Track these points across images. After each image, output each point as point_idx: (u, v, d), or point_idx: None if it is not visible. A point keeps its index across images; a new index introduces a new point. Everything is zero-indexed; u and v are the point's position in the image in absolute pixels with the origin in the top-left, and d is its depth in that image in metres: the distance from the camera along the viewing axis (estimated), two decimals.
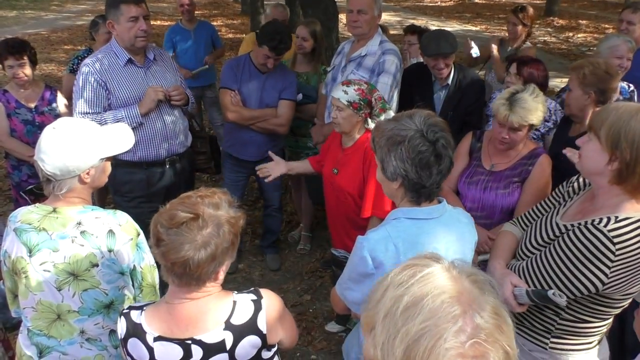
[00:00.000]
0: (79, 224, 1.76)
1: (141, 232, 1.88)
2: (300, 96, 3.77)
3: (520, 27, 4.24)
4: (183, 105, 3.13)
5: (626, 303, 1.71)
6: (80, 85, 2.87)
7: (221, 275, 1.49)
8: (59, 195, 1.77)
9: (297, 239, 4.39)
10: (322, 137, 3.37)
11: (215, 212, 1.42)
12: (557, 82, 8.34)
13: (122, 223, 1.83)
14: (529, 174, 2.45)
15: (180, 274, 1.40)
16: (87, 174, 1.78)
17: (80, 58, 4.03)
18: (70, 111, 3.64)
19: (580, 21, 15.17)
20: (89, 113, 2.85)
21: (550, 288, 1.65)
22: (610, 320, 1.80)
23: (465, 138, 2.72)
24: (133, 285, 1.90)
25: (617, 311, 1.75)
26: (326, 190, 2.87)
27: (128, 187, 3.07)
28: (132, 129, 2.91)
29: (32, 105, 3.49)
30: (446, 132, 1.67)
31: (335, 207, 2.78)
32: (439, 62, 3.19)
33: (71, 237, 1.74)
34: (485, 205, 2.50)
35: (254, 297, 1.54)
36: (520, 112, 2.34)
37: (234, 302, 1.51)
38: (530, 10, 4.38)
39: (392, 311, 0.84)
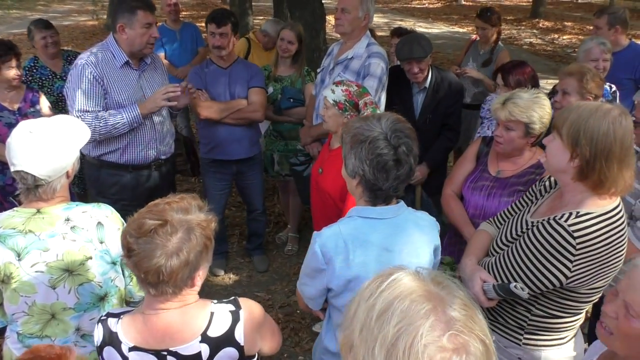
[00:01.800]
0: (68, 220, 1.78)
1: (125, 223, 1.91)
2: (271, 89, 3.80)
3: (489, 30, 4.27)
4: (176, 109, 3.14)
5: (595, 298, 1.75)
6: (77, 81, 2.77)
7: (198, 282, 1.47)
8: (45, 197, 1.77)
9: (285, 240, 4.40)
10: (310, 138, 3.39)
11: (184, 216, 1.40)
12: (543, 84, 8.41)
13: (108, 214, 1.89)
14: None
15: (155, 283, 1.38)
16: (72, 167, 1.83)
17: (27, 69, 3.85)
18: (53, 112, 3.61)
19: (566, 23, 15.35)
20: (88, 111, 2.77)
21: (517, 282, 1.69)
22: (582, 315, 1.85)
23: (474, 142, 2.71)
24: (123, 274, 1.93)
25: (587, 306, 1.80)
26: (312, 190, 2.88)
27: (113, 189, 3.03)
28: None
29: (15, 107, 3.46)
30: (411, 139, 1.68)
31: (319, 207, 2.79)
32: (412, 66, 3.22)
33: (61, 234, 1.76)
34: (487, 212, 2.43)
35: (232, 308, 1.53)
36: (510, 106, 2.29)
37: (212, 314, 1.49)
38: (496, 10, 4.42)
39: (367, 323, 0.85)
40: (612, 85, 3.39)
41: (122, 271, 1.93)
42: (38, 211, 1.77)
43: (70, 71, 2.85)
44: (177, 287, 1.41)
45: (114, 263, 1.87)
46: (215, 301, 1.56)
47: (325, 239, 1.68)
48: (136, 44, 2.83)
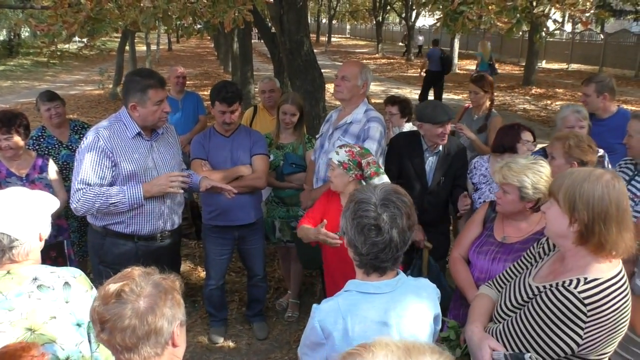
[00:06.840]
0: (35, 279, 1.80)
1: (93, 286, 1.93)
2: (272, 157, 3.86)
3: (481, 94, 4.41)
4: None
5: None
6: (85, 152, 2.78)
7: (178, 341, 1.44)
8: (18, 259, 1.80)
9: (285, 307, 4.33)
10: (311, 201, 3.42)
11: (148, 276, 1.46)
12: (538, 148, 8.56)
13: (77, 275, 1.90)
14: None
15: (134, 346, 1.35)
16: (44, 230, 1.87)
17: (35, 138, 3.91)
18: (60, 178, 3.68)
19: (557, 90, 15.86)
20: (89, 184, 2.76)
21: (528, 351, 1.67)
22: None
23: (481, 207, 2.77)
24: (89, 341, 1.90)
25: None
26: (330, 256, 2.88)
27: (115, 258, 2.95)
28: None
29: (23, 173, 3.53)
30: (401, 212, 1.67)
31: (344, 267, 2.76)
32: (445, 128, 3.30)
33: (27, 293, 1.76)
34: (492, 276, 2.39)
35: None
36: (504, 170, 2.37)
37: None
38: (489, 77, 4.58)
39: None
40: (600, 150, 3.47)
41: (89, 337, 1.89)
42: (8, 272, 1.80)
43: (81, 143, 2.86)
44: (158, 346, 1.38)
45: (78, 325, 1.85)
46: None
47: (325, 315, 1.67)
48: (149, 120, 2.88)
